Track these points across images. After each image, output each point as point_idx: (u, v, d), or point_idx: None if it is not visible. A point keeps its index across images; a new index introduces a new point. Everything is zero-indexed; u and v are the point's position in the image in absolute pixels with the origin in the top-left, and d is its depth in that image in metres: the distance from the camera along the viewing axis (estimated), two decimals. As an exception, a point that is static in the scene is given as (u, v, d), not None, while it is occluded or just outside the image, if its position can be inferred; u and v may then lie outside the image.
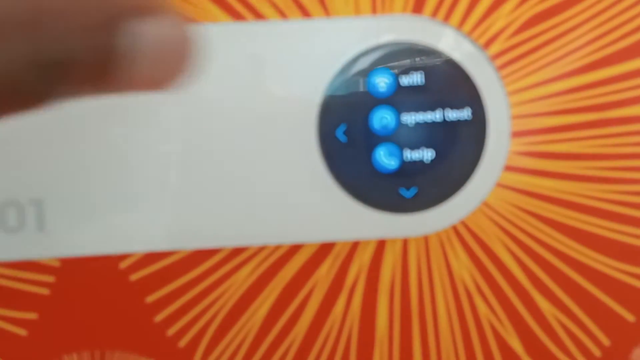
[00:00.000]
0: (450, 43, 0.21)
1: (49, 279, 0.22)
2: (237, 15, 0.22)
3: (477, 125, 0.21)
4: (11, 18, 0.12)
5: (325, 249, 0.22)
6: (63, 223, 0.21)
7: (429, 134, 0.21)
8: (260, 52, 0.21)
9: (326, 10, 0.22)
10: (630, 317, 0.22)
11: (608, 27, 0.22)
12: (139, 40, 0.13)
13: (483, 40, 0.22)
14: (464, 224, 0.22)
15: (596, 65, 0.22)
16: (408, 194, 0.21)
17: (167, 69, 0.14)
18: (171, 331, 0.23)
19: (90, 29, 0.12)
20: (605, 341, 0.23)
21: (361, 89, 0.21)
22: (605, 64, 0.22)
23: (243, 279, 0.22)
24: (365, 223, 0.22)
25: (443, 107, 0.21)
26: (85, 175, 0.21)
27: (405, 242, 0.22)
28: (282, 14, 0.22)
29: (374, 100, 0.21)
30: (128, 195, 0.21)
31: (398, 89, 0.21)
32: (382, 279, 0.22)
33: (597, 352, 0.23)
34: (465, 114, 0.21)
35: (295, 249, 0.22)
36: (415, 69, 0.21)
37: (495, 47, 0.22)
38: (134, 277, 0.22)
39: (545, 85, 0.22)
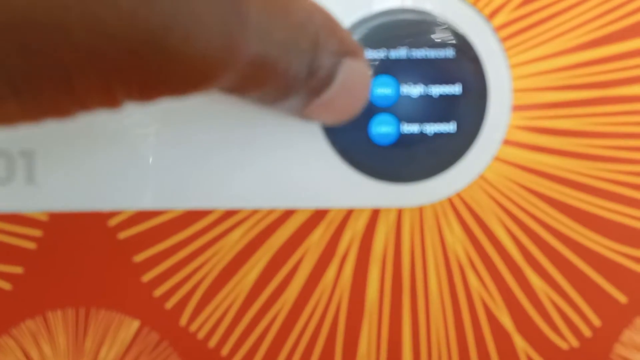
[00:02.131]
0: (455, 12, 0.21)
1: (37, 233, 0.22)
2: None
3: (478, 97, 0.21)
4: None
5: (319, 215, 0.22)
6: (53, 176, 0.21)
7: (429, 104, 0.21)
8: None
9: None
10: (622, 299, 0.22)
11: (614, 4, 0.22)
12: (347, 70, 0.16)
13: (488, 10, 0.22)
14: (459, 196, 0.22)
15: (600, 42, 0.22)
16: (405, 163, 0.21)
17: (352, 102, 0.18)
18: (158, 292, 0.22)
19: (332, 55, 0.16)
20: (596, 321, 0.22)
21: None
22: (610, 41, 0.22)
23: (234, 242, 0.22)
24: (360, 191, 0.21)
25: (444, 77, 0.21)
26: (78, 129, 0.21)
27: (399, 212, 0.22)
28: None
29: (375, 69, 0.21)
30: (120, 151, 0.21)
31: (399, 58, 0.21)
32: (374, 248, 0.22)
33: (587, 331, 0.22)
34: (466, 85, 0.21)
35: (288, 214, 0.22)
36: (418, 38, 0.21)
37: (500, 18, 0.22)
38: (122, 235, 0.22)
39: (548, 59, 0.22)
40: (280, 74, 0.15)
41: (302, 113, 0.17)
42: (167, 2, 0.12)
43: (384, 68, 0.21)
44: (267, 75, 0.15)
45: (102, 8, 0.12)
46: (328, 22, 0.16)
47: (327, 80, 0.16)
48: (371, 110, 0.21)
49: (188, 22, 0.12)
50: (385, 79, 0.21)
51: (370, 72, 0.18)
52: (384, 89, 0.21)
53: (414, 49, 0.21)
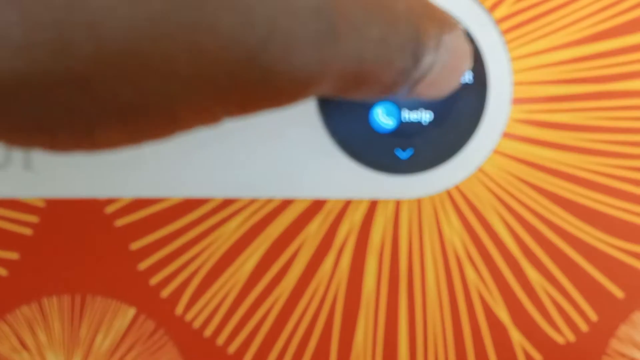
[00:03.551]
0: (456, 4, 0.21)
1: (33, 219, 0.22)
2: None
3: (478, 90, 0.21)
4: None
5: (317, 206, 0.22)
6: (51, 162, 0.21)
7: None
8: None
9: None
10: (619, 293, 0.22)
11: (617, -1, 0.21)
12: (448, 47, 0.16)
13: (489, 2, 0.22)
14: (458, 189, 0.22)
15: (601, 36, 0.22)
16: (404, 155, 0.21)
17: (456, 75, 0.17)
18: (154, 280, 0.22)
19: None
20: (593, 316, 0.22)
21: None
22: (611, 35, 0.22)
23: (231, 231, 0.22)
24: (359, 182, 0.21)
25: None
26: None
27: (397, 204, 0.22)
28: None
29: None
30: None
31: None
32: (372, 240, 0.22)
33: (584, 326, 0.22)
34: (466, 77, 0.21)
35: (285, 204, 0.22)
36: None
37: (501, 11, 0.21)
38: (119, 222, 0.22)
39: (549, 53, 0.22)
40: (384, 70, 0.14)
41: (407, 96, 0.17)
42: (264, 20, 0.12)
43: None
44: (369, 74, 0.14)
45: (205, 36, 0.12)
46: (425, 4, 0.16)
47: (432, 64, 0.16)
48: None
49: (283, 39, 0.12)
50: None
51: (467, 39, 0.18)
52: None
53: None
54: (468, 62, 0.18)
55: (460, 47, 0.17)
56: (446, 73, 0.16)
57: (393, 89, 0.15)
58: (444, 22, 0.16)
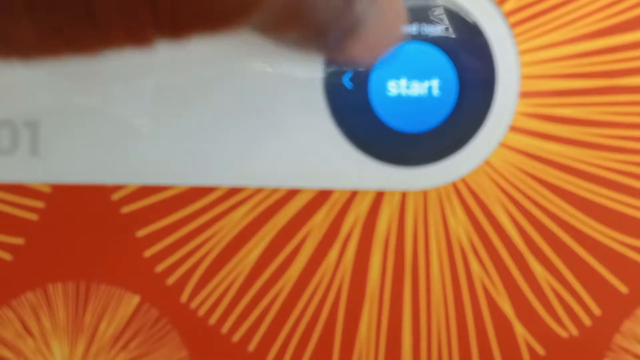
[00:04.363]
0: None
1: (39, 204, 0.22)
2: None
3: (486, 82, 0.21)
4: None
5: (323, 196, 0.22)
6: (58, 148, 0.21)
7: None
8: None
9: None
10: (623, 289, 0.22)
11: (625, -6, 0.22)
12: (372, 7, 0.15)
13: (499, -5, 0.22)
14: (464, 181, 0.22)
15: (610, 30, 0.22)
16: (411, 146, 0.21)
17: (384, 40, 0.16)
18: (160, 268, 0.22)
19: None
20: (597, 311, 0.22)
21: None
22: (620, 30, 0.22)
23: (237, 220, 0.22)
24: (365, 173, 0.21)
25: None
26: (84, 100, 0.21)
27: (403, 195, 0.22)
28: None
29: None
30: (126, 125, 0.21)
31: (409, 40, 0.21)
32: (377, 231, 0.22)
33: (587, 321, 0.22)
34: (473, 72, 0.21)
35: (292, 193, 0.22)
36: (428, 21, 0.21)
37: (510, 4, 0.21)
38: (125, 209, 0.22)
39: (557, 47, 0.22)
40: (318, 7, 0.14)
41: (340, 55, 0.16)
42: None
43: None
44: (303, 11, 0.14)
45: None
46: None
47: (364, 14, 0.15)
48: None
49: None
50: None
51: (403, 7, 0.17)
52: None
53: (422, 34, 0.21)
54: (403, 23, 0.17)
55: (396, 5, 0.16)
56: (379, 31, 0.16)
57: (325, 31, 0.15)
58: None
